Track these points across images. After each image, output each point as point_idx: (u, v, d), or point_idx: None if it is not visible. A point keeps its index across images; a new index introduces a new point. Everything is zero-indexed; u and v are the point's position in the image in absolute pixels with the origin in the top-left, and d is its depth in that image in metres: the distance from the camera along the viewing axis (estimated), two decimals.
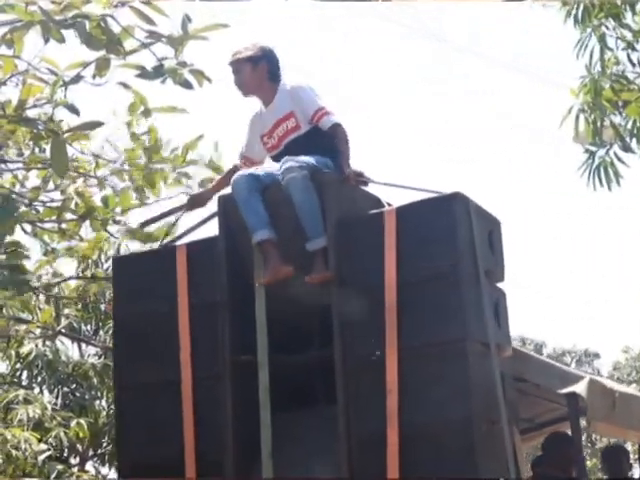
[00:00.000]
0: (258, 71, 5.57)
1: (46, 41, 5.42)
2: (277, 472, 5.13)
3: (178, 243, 5.73)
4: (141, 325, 5.50)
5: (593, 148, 7.70)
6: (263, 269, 5.24)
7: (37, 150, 7.20)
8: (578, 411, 5.64)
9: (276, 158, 5.54)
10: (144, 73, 5.55)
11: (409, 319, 5.00)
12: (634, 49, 7.74)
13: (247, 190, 5.32)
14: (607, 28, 7.59)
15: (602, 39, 7.58)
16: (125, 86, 5.92)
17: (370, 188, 5.59)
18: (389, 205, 5.38)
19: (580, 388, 5.49)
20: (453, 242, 5.03)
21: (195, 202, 5.95)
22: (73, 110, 5.49)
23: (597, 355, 13.03)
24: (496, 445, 4.96)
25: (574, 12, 7.58)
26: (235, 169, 5.76)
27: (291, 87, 5.59)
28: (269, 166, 5.60)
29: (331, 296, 5.16)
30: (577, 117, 7.64)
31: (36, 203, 7.33)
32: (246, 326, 5.30)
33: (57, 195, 7.35)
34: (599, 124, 7.61)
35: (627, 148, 7.69)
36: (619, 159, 7.65)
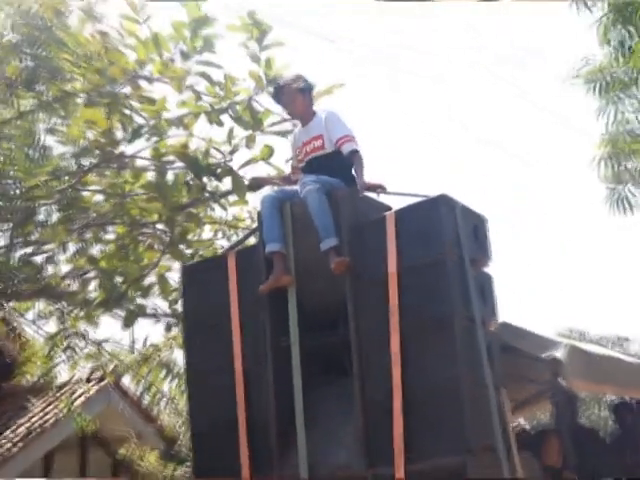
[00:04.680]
0: (306, 101, 6.90)
1: (210, 124, 8.14)
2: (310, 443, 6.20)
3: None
4: (203, 320, 6.79)
5: (613, 186, 10.27)
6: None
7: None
8: (558, 373, 6.56)
9: (302, 169, 6.83)
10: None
11: (407, 301, 6.00)
12: None
13: (270, 208, 6.55)
14: (619, 98, 9.86)
15: (616, 106, 9.93)
16: (268, 164, 8.32)
17: (386, 198, 6.73)
18: None
19: (560, 352, 6.44)
20: (440, 236, 6.04)
21: (255, 183, 7.73)
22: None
23: (627, 339, 15.13)
24: (483, 405, 5.80)
25: (596, 86, 9.87)
26: (289, 176, 7.20)
27: (326, 114, 6.82)
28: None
29: (346, 288, 6.26)
30: (599, 163, 10.22)
31: None
32: (285, 318, 6.46)
33: None
34: (617, 168, 10.23)
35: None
36: (632, 193, 10.23)
